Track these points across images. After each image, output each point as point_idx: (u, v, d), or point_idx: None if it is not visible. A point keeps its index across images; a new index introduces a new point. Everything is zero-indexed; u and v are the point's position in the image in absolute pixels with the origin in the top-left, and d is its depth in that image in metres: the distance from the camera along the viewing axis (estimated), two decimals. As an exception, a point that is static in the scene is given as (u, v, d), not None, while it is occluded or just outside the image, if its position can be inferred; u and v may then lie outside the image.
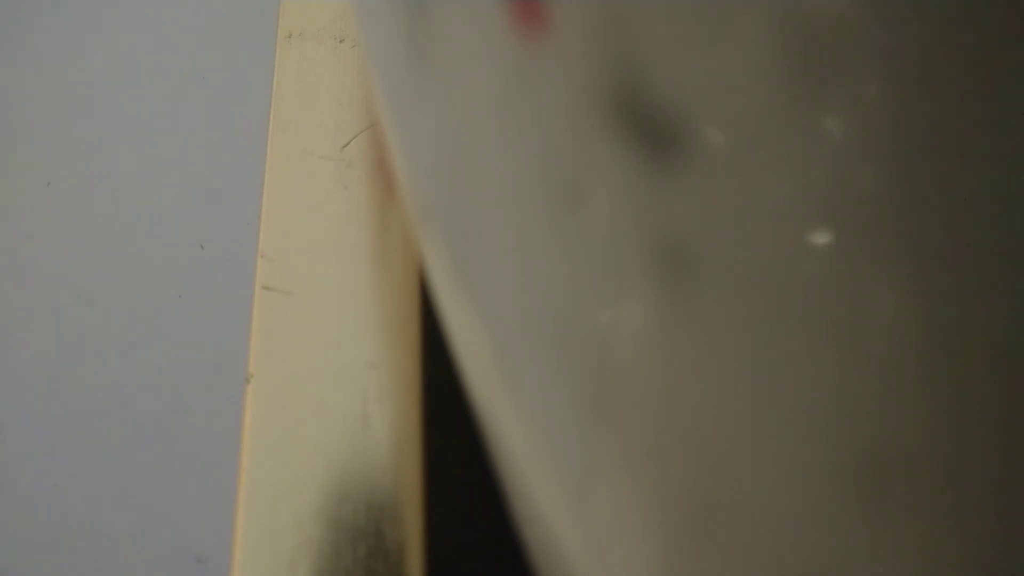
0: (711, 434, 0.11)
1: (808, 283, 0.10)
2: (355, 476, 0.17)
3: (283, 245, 0.19)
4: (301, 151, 0.20)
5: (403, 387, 0.18)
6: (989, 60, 0.10)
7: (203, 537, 0.34)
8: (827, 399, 0.10)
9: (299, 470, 0.17)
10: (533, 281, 0.12)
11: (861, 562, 0.10)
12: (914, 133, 0.10)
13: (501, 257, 0.12)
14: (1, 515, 0.35)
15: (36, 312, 0.38)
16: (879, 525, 0.10)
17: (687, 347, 0.11)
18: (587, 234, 0.11)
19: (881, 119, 0.10)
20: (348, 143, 0.21)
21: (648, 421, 0.11)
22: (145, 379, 0.37)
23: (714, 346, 0.11)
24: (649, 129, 0.10)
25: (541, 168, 0.11)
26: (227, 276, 0.38)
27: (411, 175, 0.14)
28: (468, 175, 0.13)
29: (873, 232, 0.10)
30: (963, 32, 0.09)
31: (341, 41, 0.22)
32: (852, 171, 0.10)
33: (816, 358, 0.10)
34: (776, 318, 0.10)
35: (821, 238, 0.10)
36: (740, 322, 0.10)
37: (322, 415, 0.18)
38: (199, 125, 0.41)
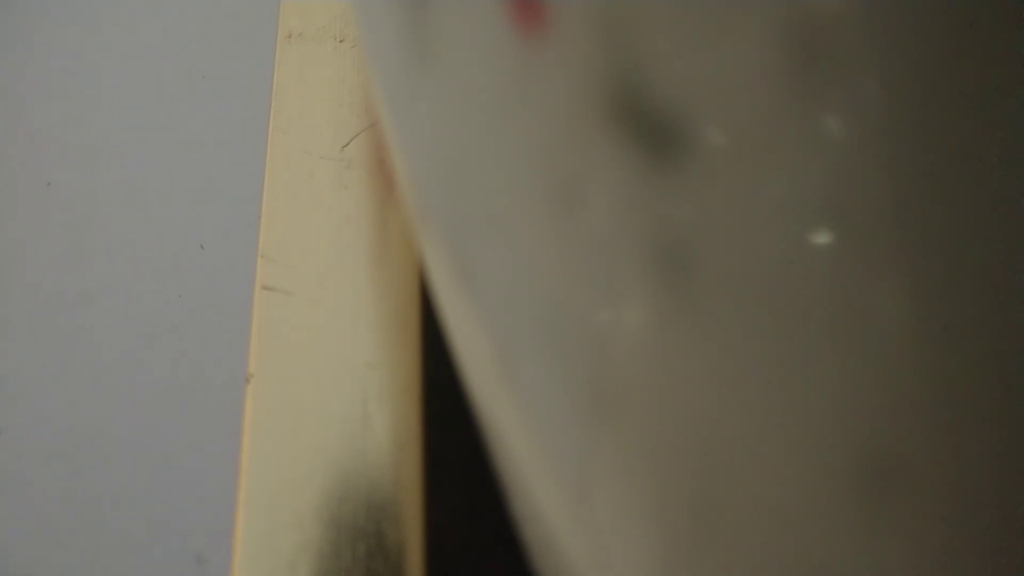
0: (711, 434, 0.11)
1: (808, 283, 0.10)
2: (355, 476, 0.17)
3: (283, 245, 0.19)
4: (301, 151, 0.20)
5: (403, 387, 0.18)
6: (990, 59, 0.10)
7: (203, 537, 0.34)
8: (827, 399, 0.10)
9: (299, 470, 0.17)
10: (533, 281, 0.12)
11: (862, 562, 0.10)
12: (914, 133, 0.10)
13: (501, 257, 0.12)
14: (1, 515, 0.35)
15: (36, 312, 0.38)
16: (880, 525, 0.10)
17: (687, 347, 0.11)
18: (587, 234, 0.11)
19: (881, 119, 0.10)
20: (348, 143, 0.21)
21: (648, 421, 0.11)
22: (145, 379, 0.37)
23: (714, 346, 0.11)
24: (649, 129, 0.10)
25: (541, 168, 0.11)
26: (227, 276, 0.38)
27: (411, 175, 0.14)
28: (468, 175, 0.13)
29: (873, 232, 0.10)
30: (964, 32, 0.09)
31: (341, 41, 0.22)
32: (852, 171, 0.10)
33: (816, 358, 0.10)
34: (776, 318, 0.10)
35: (821, 238, 0.10)
36: (740, 322, 0.10)
37: (322, 415, 0.18)
38: (199, 125, 0.41)
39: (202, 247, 0.39)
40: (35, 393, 0.37)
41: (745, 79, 0.10)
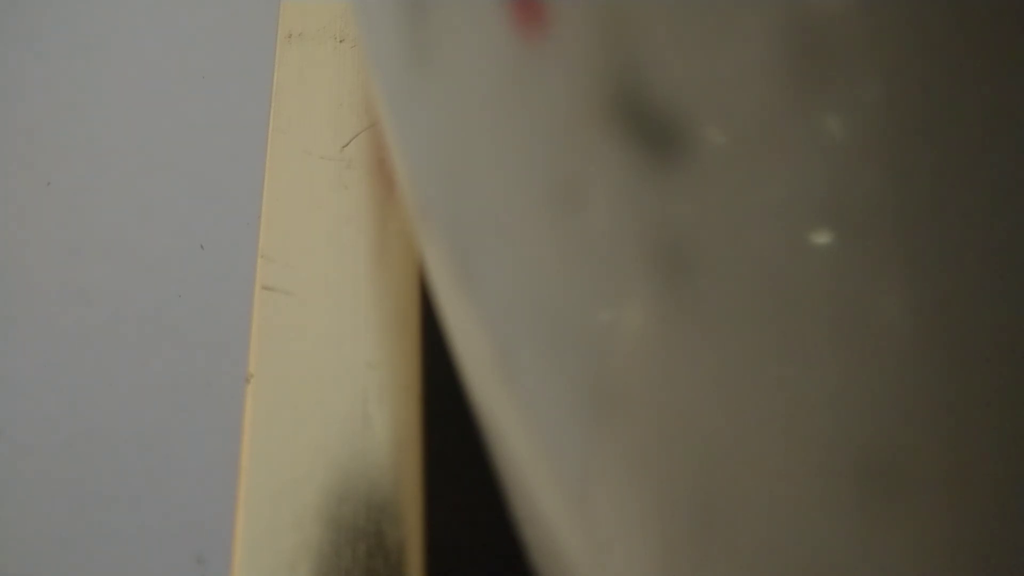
0: (711, 434, 0.11)
1: (808, 283, 0.10)
2: (355, 476, 0.17)
3: (283, 245, 0.19)
4: (301, 151, 0.20)
5: (403, 387, 0.18)
6: (990, 60, 0.10)
7: (203, 537, 0.34)
8: (827, 398, 0.10)
9: (299, 470, 0.17)
10: (533, 281, 0.12)
11: (862, 562, 0.10)
12: (914, 133, 0.10)
13: (501, 257, 0.12)
14: (1, 515, 0.35)
15: (36, 312, 0.38)
16: (879, 525, 0.10)
17: (687, 347, 0.11)
18: (587, 234, 0.11)
19: (881, 119, 0.10)
20: (348, 143, 0.21)
21: (648, 421, 0.11)
22: (145, 379, 0.37)
23: (714, 346, 0.11)
24: (649, 129, 0.10)
25: (541, 167, 0.11)
26: (227, 276, 0.38)
27: (411, 175, 0.14)
28: (468, 175, 0.13)
29: (873, 232, 0.10)
30: (964, 32, 0.09)
31: (341, 41, 0.22)
32: (852, 171, 0.10)
33: (816, 358, 0.10)
34: (776, 318, 0.10)
35: (821, 238, 0.10)
36: (740, 322, 0.10)
37: (322, 415, 0.18)
38: (199, 125, 0.41)
39: (202, 247, 0.39)
40: (35, 393, 0.37)
41: (745, 79, 0.10)
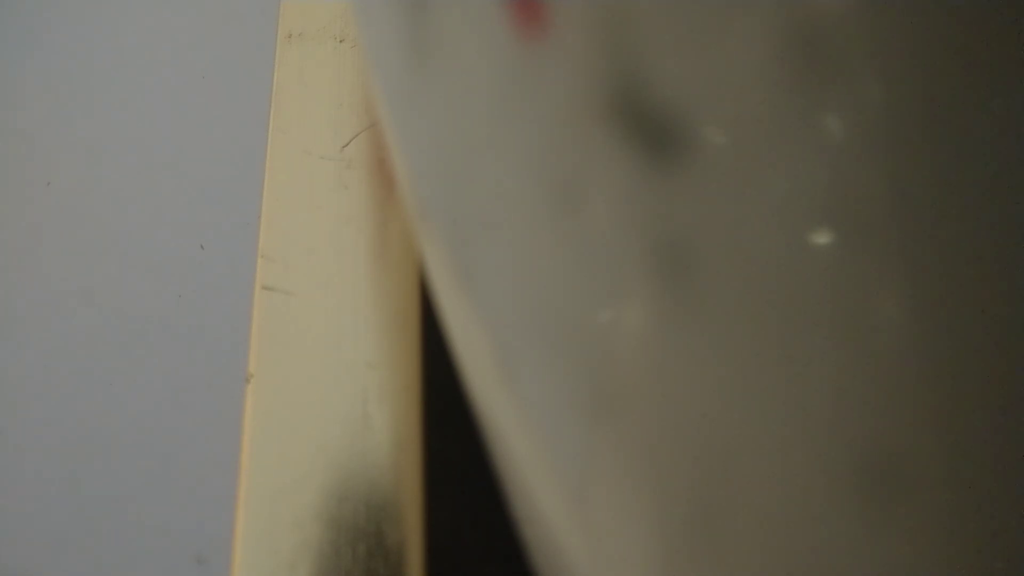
0: (711, 434, 0.11)
1: (808, 283, 0.10)
2: (355, 476, 0.17)
3: (283, 245, 0.19)
4: (301, 151, 0.20)
5: (403, 387, 0.18)
6: (989, 59, 0.10)
7: (203, 537, 0.34)
8: (827, 399, 0.10)
9: (299, 470, 0.17)
10: (533, 281, 0.12)
11: (861, 562, 0.10)
12: (914, 133, 0.10)
13: (501, 257, 0.12)
14: (1, 515, 0.35)
15: (36, 312, 0.38)
16: (879, 525, 0.10)
17: (687, 347, 0.11)
18: (587, 234, 0.11)
19: (881, 119, 0.10)
20: (348, 143, 0.21)
21: (648, 421, 0.11)
22: (145, 379, 0.37)
23: (714, 346, 0.11)
24: (649, 129, 0.10)
25: (541, 168, 0.11)
26: (227, 276, 0.38)
27: (411, 175, 0.14)
28: (468, 175, 0.13)
29: (873, 232, 0.10)
30: (964, 31, 0.09)
31: (341, 41, 0.22)
32: (852, 171, 0.10)
33: (816, 358, 0.10)
34: (776, 318, 0.10)
35: (821, 238, 0.10)
36: (740, 322, 0.10)
37: (322, 415, 0.18)
38: (199, 125, 0.41)
39: (202, 247, 0.39)
40: (35, 393, 0.37)
41: (745, 79, 0.10)
